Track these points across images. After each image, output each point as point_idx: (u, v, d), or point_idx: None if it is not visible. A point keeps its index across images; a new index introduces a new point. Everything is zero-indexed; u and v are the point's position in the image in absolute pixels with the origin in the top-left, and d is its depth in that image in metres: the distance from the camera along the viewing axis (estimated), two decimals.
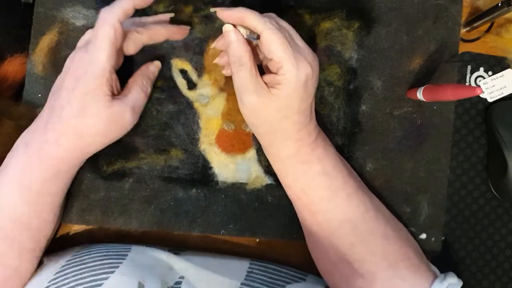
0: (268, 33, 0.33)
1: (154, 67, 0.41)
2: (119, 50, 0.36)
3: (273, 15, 0.36)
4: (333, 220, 0.37)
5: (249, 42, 0.35)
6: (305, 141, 0.37)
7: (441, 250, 0.44)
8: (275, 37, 0.33)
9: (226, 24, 0.35)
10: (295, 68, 0.33)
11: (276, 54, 0.33)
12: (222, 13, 0.35)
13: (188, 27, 0.41)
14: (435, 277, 0.35)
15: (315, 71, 0.35)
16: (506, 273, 0.47)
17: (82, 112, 0.34)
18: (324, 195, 0.37)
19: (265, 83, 0.35)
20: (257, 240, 0.45)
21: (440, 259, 0.47)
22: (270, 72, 0.35)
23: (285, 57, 0.33)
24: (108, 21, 0.34)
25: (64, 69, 0.38)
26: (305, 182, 0.37)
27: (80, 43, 0.39)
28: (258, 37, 0.34)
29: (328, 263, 0.38)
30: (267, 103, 0.34)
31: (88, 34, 0.39)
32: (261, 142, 0.39)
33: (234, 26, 0.35)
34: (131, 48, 0.37)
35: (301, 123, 0.36)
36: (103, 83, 0.35)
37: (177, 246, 0.44)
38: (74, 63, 0.36)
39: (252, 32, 0.35)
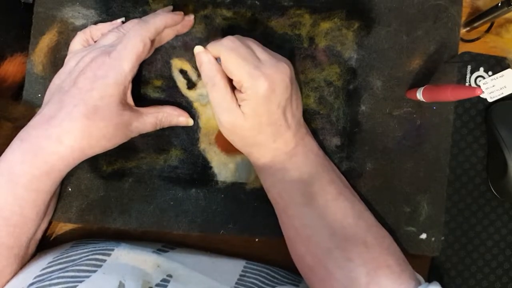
0: (224, 55, 0.35)
1: (184, 119, 0.41)
2: None
3: (237, 36, 0.37)
4: (309, 225, 0.37)
5: None
6: (282, 150, 0.38)
7: (441, 250, 0.44)
8: (230, 57, 0.35)
9: (196, 46, 0.37)
10: (252, 85, 0.34)
11: (233, 73, 0.35)
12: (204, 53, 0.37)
13: (191, 16, 0.41)
14: (418, 286, 0.34)
15: (277, 82, 0.35)
16: (506, 273, 0.47)
17: (94, 113, 0.35)
18: (299, 201, 0.38)
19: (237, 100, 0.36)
20: (257, 240, 0.45)
21: (440, 259, 0.47)
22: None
23: (241, 76, 0.35)
24: (141, 35, 0.36)
25: (67, 68, 0.38)
26: (282, 187, 0.38)
27: (96, 46, 0.38)
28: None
29: (305, 266, 0.38)
30: (241, 122, 0.36)
31: (106, 40, 0.38)
32: (241, 151, 0.40)
33: None
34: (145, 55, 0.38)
35: (275, 134, 0.37)
36: (121, 90, 0.36)
37: (176, 245, 0.43)
38: (92, 65, 0.36)
39: None
